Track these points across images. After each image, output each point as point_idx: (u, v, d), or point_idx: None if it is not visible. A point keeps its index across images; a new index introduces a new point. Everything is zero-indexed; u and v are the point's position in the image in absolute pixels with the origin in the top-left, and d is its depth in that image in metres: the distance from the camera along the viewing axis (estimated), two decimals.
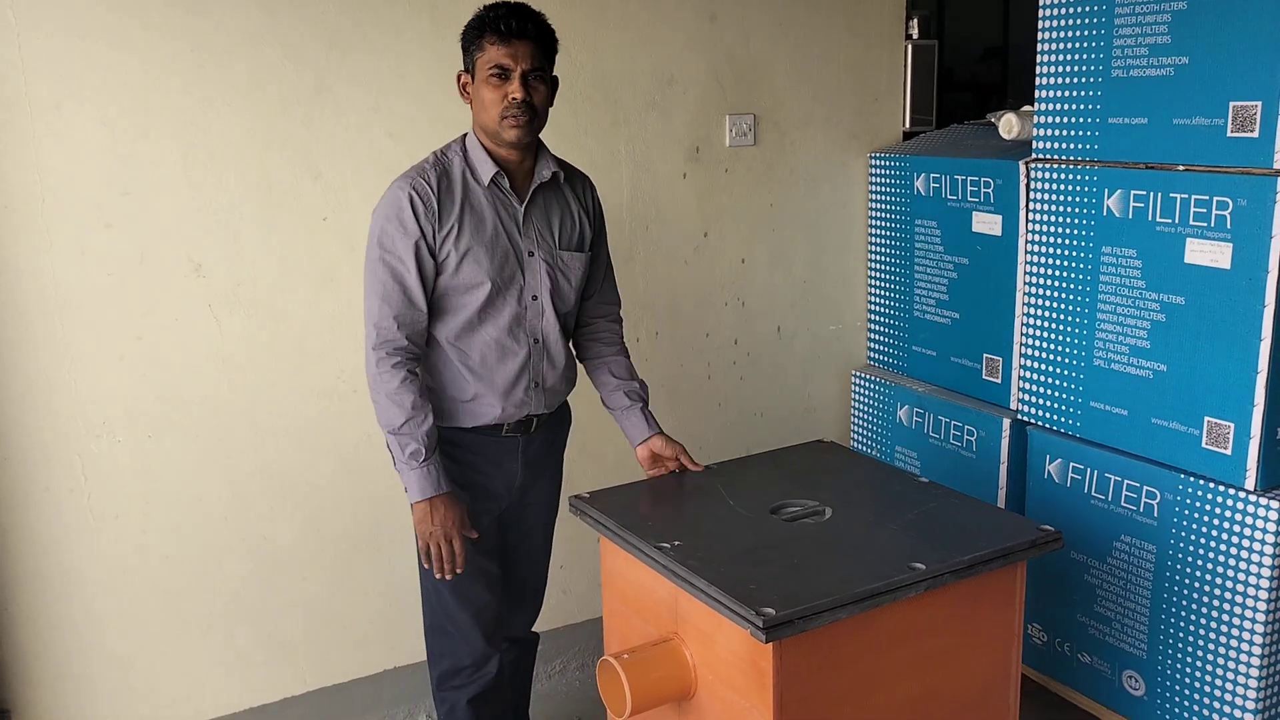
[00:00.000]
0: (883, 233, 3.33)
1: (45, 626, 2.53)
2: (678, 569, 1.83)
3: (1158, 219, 2.42)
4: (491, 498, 2.26)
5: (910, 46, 3.37)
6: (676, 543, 1.91)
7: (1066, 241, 2.65)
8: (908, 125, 3.42)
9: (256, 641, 2.74)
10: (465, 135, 2.19)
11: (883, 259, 3.35)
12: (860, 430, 3.44)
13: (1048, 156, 2.69)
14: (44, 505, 2.48)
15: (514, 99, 2.06)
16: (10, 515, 2.46)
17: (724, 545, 1.94)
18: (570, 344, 2.36)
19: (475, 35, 2.08)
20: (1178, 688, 2.49)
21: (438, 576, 2.13)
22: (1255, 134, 2.20)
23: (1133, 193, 2.47)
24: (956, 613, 1.91)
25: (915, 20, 3.41)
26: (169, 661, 2.65)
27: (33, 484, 2.46)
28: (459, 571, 2.12)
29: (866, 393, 3.40)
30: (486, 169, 2.12)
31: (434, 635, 2.33)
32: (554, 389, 2.28)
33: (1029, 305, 2.78)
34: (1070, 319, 2.67)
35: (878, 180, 3.33)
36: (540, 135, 2.18)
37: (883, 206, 3.32)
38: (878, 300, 3.40)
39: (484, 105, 2.08)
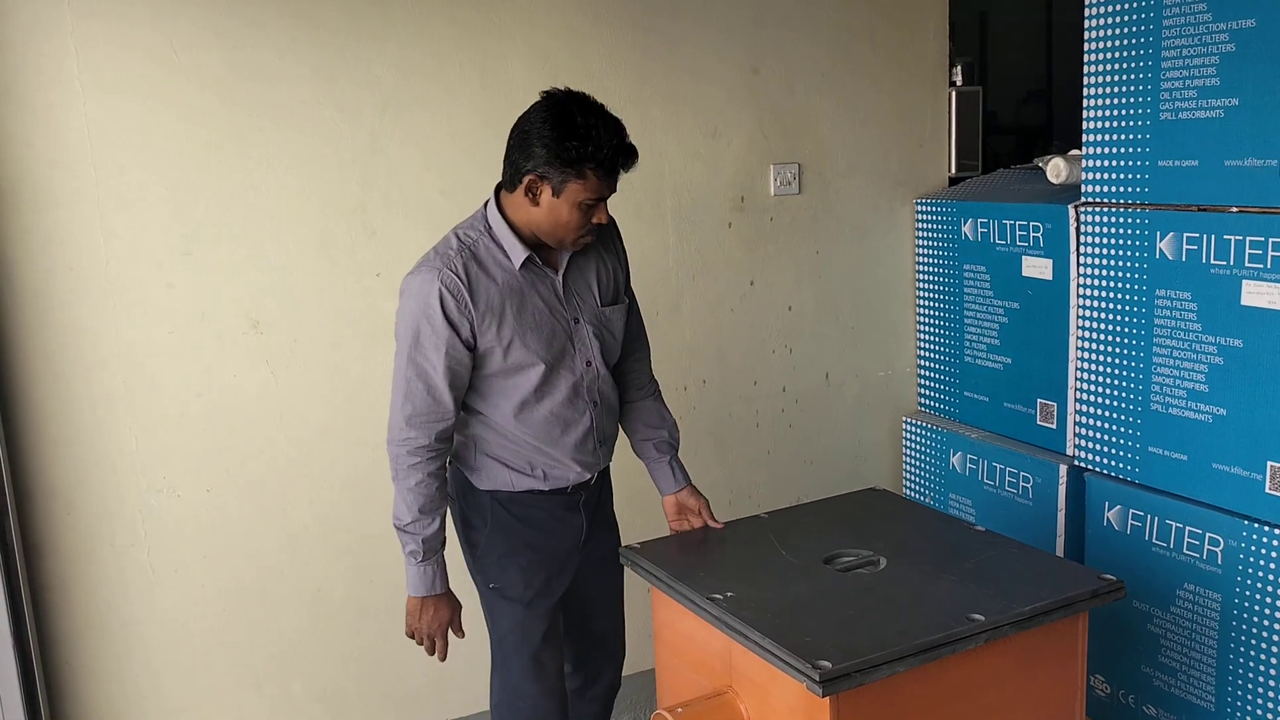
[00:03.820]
0: (931, 278, 3.32)
1: (106, 679, 2.56)
2: (731, 620, 1.82)
3: (1212, 261, 2.39)
4: (563, 556, 2.24)
5: (954, 93, 3.38)
6: (729, 594, 1.90)
7: (1119, 285, 2.63)
8: (953, 171, 3.42)
9: (311, 694, 2.75)
10: (484, 214, 2.09)
11: (932, 304, 3.34)
12: (913, 478, 3.41)
13: (1097, 200, 2.67)
14: (106, 560, 2.52)
15: (598, 224, 2.04)
16: (74, 569, 2.51)
17: (778, 596, 1.92)
18: None
19: (577, 159, 1.94)
20: None
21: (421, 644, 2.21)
22: None
23: (1185, 235, 2.44)
24: (1017, 665, 1.87)
25: (959, 67, 3.42)
26: (225, 713, 2.68)
27: (97, 539, 2.51)
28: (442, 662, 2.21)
29: (918, 439, 3.37)
30: (518, 254, 2.05)
31: (502, 710, 2.31)
32: (612, 437, 2.29)
33: (1083, 349, 2.75)
34: (1126, 363, 2.64)
35: (924, 226, 3.33)
36: None
37: (930, 252, 3.31)
38: (927, 346, 3.39)
39: (561, 223, 2.01)
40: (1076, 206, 2.75)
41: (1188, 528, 2.50)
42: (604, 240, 2.20)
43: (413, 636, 2.20)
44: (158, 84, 2.43)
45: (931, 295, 3.33)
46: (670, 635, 2.11)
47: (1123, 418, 2.66)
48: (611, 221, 2.17)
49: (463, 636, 2.23)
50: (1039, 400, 2.97)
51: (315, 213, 2.61)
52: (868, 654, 1.67)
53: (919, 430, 3.36)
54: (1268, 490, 2.33)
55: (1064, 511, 2.86)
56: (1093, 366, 2.73)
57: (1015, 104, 5.92)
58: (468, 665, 2.91)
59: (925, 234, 3.33)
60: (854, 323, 3.33)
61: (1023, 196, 3.02)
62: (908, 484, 3.43)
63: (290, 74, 2.54)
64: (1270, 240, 2.25)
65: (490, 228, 2.07)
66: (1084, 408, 2.77)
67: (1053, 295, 2.86)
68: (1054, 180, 2.95)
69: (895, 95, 3.29)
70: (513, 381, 2.08)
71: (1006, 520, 2.98)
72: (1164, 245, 2.50)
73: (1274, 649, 2.33)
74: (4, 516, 2.37)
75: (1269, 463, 2.32)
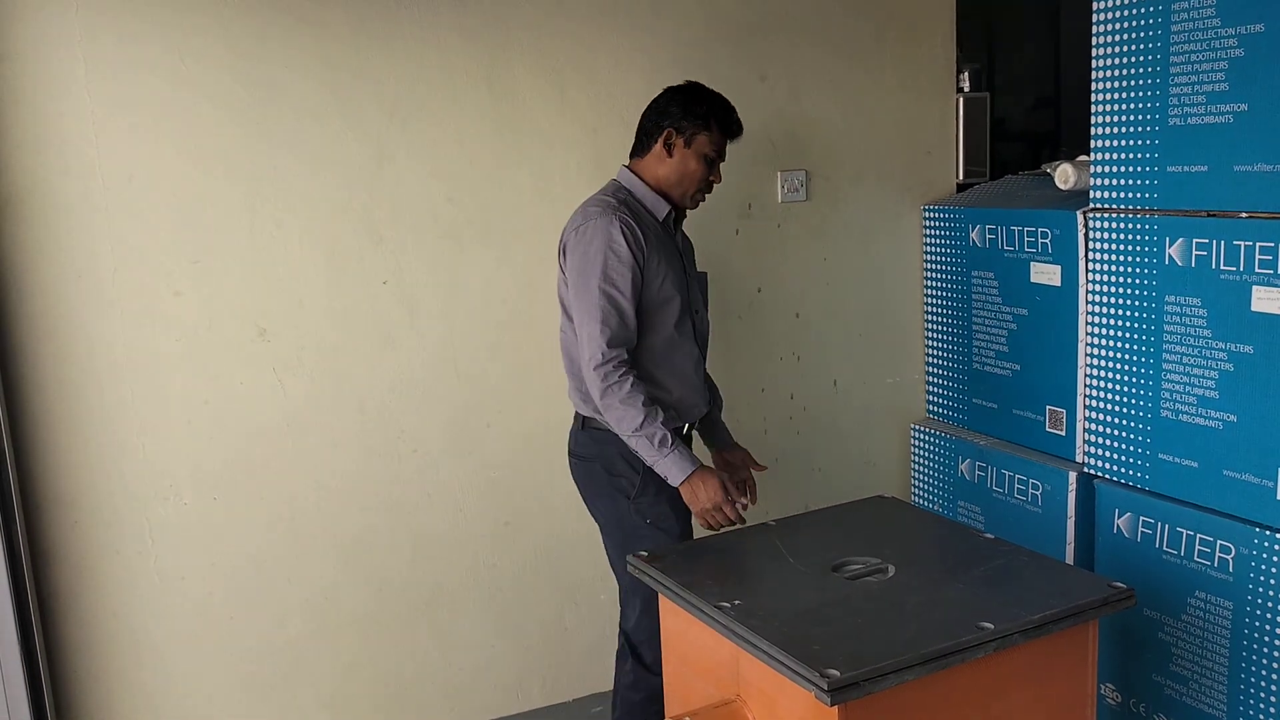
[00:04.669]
0: (938, 285, 3.31)
1: (113, 687, 2.56)
2: (739, 629, 1.81)
3: (1222, 267, 2.38)
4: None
5: (962, 99, 3.38)
6: (737, 602, 1.89)
7: (1128, 291, 2.61)
8: (961, 177, 3.41)
9: (319, 703, 2.75)
10: (617, 184, 2.46)
11: (939, 311, 3.33)
12: (921, 485, 3.39)
13: (1106, 206, 2.66)
14: (114, 568, 2.53)
15: (714, 183, 2.48)
16: (81, 578, 2.51)
17: (785, 604, 1.91)
18: None
19: (707, 116, 2.42)
20: None
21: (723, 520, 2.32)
22: None
23: (1195, 241, 2.43)
24: (1027, 674, 1.86)
25: (966, 73, 3.42)
26: None
27: (104, 547, 2.51)
28: (743, 511, 2.34)
29: (926, 446, 3.35)
30: (662, 209, 2.45)
31: (655, 641, 2.25)
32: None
33: (1092, 356, 2.74)
34: (1135, 369, 2.62)
35: (932, 232, 3.32)
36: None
37: (938, 258, 3.30)
38: (935, 353, 3.37)
39: (688, 173, 2.43)
40: (1085, 212, 2.74)
41: (1198, 535, 2.49)
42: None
43: (709, 525, 2.32)
44: (166, 93, 2.44)
45: (939, 302, 3.32)
46: (678, 643, 2.10)
47: (1132, 424, 2.64)
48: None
49: (745, 497, 2.38)
50: (1048, 407, 2.95)
51: (323, 221, 2.62)
52: (876, 663, 1.66)
53: (927, 437, 3.35)
54: (1279, 497, 2.31)
55: (1073, 519, 2.84)
56: (1102, 373, 2.72)
57: (1024, 110, 5.90)
58: (475, 673, 2.91)
59: (933, 240, 3.32)
60: (862, 329, 3.32)
61: (1031, 202, 3.01)
62: (916, 491, 3.42)
63: (297, 83, 2.55)
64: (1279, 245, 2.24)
65: (632, 192, 2.45)
66: (1093, 414, 2.76)
67: (1061, 301, 2.85)
68: (1062, 186, 2.94)
69: (903, 102, 3.29)
70: (661, 317, 2.39)
71: (1016, 527, 2.96)
72: (1173, 251, 2.49)
73: None
74: (11, 524, 2.38)
75: None
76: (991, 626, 1.76)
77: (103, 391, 2.47)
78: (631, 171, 2.48)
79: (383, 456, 2.75)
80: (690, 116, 2.42)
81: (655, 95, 2.48)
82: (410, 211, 2.70)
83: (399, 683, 2.83)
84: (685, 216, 2.56)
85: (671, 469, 2.28)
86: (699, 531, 2.43)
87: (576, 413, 2.51)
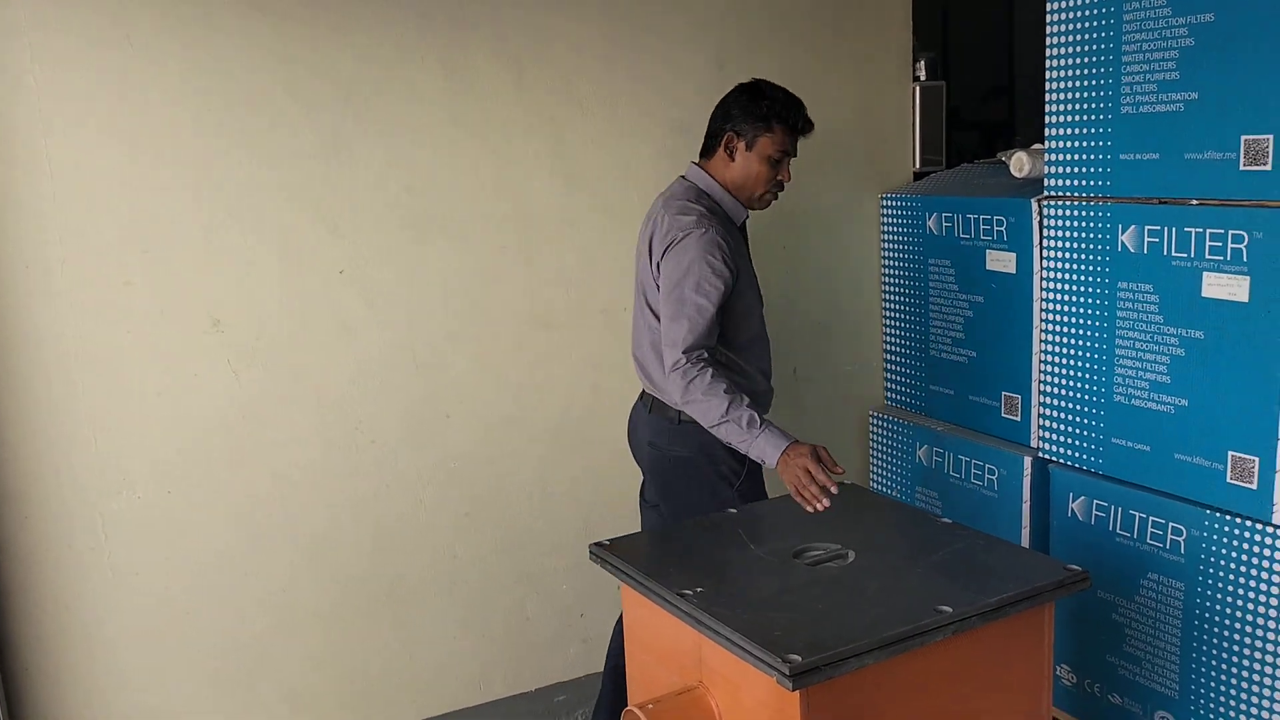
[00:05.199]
0: (896, 273, 3.34)
1: (68, 683, 2.52)
2: (701, 616, 1.81)
3: (1173, 253, 2.42)
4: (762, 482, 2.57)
5: (918, 88, 3.40)
6: (699, 589, 1.89)
7: (1082, 278, 2.65)
8: (918, 166, 3.44)
9: (279, 695, 2.72)
10: (691, 186, 2.48)
11: (897, 299, 3.35)
12: (879, 471, 3.42)
13: (1060, 194, 2.69)
14: (65, 562, 2.48)
15: (782, 182, 2.49)
16: (32, 573, 2.46)
17: (747, 591, 1.92)
18: None
19: (768, 116, 2.41)
20: None
21: (817, 507, 2.21)
22: (1268, 167, 2.20)
23: (1147, 228, 2.47)
24: (985, 656, 1.88)
25: (923, 62, 3.44)
26: (191, 716, 2.63)
27: (54, 542, 2.46)
28: (833, 491, 2.21)
29: (885, 433, 3.38)
30: (739, 214, 2.51)
31: None
32: None
33: (1046, 342, 2.77)
34: (1089, 355, 2.66)
35: (889, 221, 3.34)
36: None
37: (895, 247, 3.33)
38: (893, 340, 3.40)
39: (751, 175, 2.46)
40: (1039, 200, 2.77)
41: (1151, 518, 2.53)
42: None
43: (805, 498, 2.23)
44: (114, 77, 2.39)
45: (897, 290, 3.35)
46: (640, 631, 2.10)
47: (1086, 409, 2.68)
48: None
49: (841, 470, 2.26)
50: (1003, 393, 2.99)
51: (277, 209, 2.58)
52: (837, 647, 1.67)
53: (885, 424, 3.38)
54: (1229, 480, 2.36)
55: (1028, 503, 2.88)
56: (1056, 359, 2.75)
57: (977, 99, 5.96)
58: (436, 666, 2.90)
59: (890, 229, 3.34)
60: (821, 317, 3.33)
61: (986, 191, 3.04)
62: (875, 477, 3.45)
63: (250, 70, 2.51)
64: (1230, 232, 2.28)
65: (710, 196, 2.48)
66: (1048, 400, 2.79)
67: (1016, 289, 2.89)
68: (1017, 174, 2.97)
69: (860, 90, 3.30)
70: (747, 320, 2.47)
71: (972, 512, 3.00)
72: (1125, 238, 2.52)
73: (1236, 636, 2.36)
74: None
75: (1230, 452, 2.35)
76: (950, 610, 1.78)
77: (51, 384, 2.42)
78: (705, 172, 2.50)
79: (341, 448, 2.72)
80: (751, 118, 2.42)
81: (612, 78, 2.45)
82: (367, 200, 2.67)
83: (362, 676, 2.81)
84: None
85: (766, 448, 2.27)
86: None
87: (652, 405, 2.53)
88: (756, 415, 2.27)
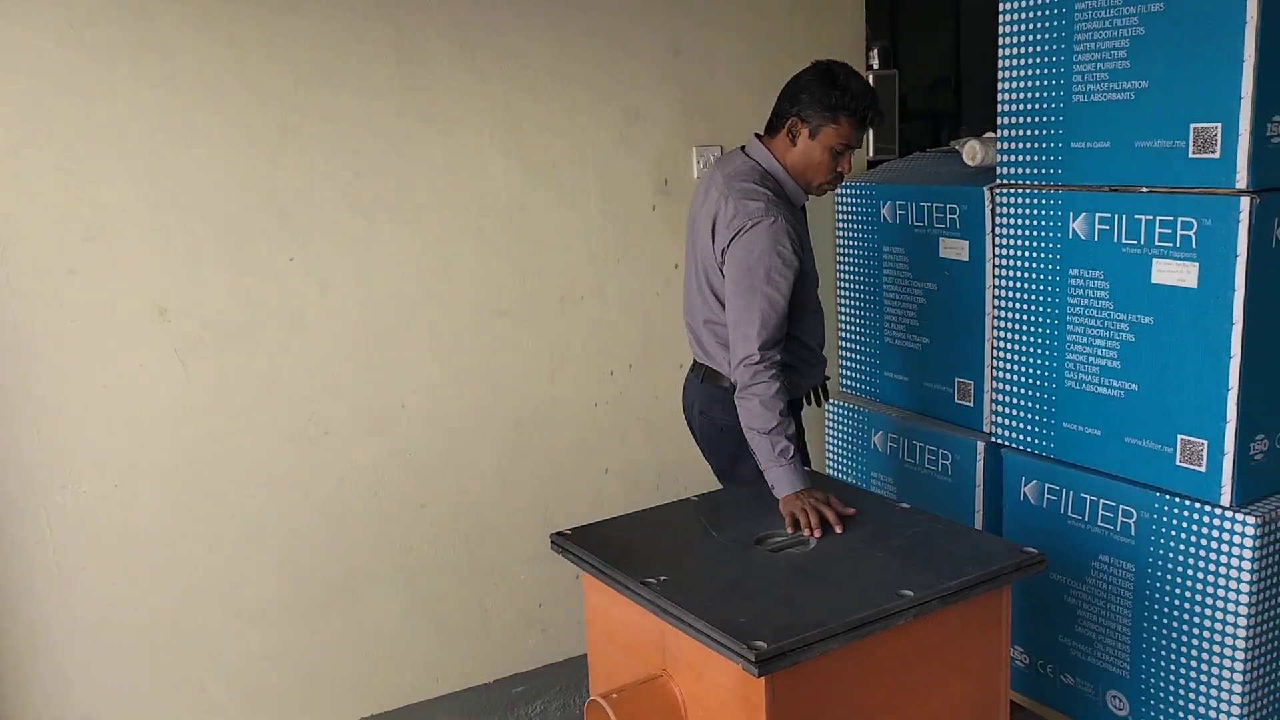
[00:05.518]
0: (851, 260, 3.36)
1: (10, 684, 2.45)
2: (665, 604, 1.81)
3: (1123, 240, 2.45)
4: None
5: (871, 77, 3.41)
6: (662, 577, 1.89)
7: (1034, 265, 2.68)
8: (871, 154, 3.46)
9: (231, 694, 2.67)
10: (755, 165, 2.41)
11: (852, 286, 3.37)
12: (835, 457, 3.44)
13: (1012, 182, 2.72)
14: (9, 559, 2.41)
15: (843, 174, 2.41)
16: None
17: (711, 578, 1.92)
18: None
19: (836, 107, 2.31)
20: (1161, 705, 2.49)
21: (812, 535, 2.13)
22: (1216, 155, 2.24)
23: (1098, 215, 2.50)
24: (945, 639, 1.90)
25: (875, 51, 3.45)
26: (141, 716, 2.58)
27: None
28: (836, 530, 2.13)
29: (840, 420, 3.40)
30: (800, 197, 2.46)
31: None
32: None
33: (999, 329, 2.81)
34: (1040, 341, 2.69)
35: (844, 209, 3.35)
36: None
37: (850, 234, 3.34)
38: (848, 327, 3.42)
39: (812, 164, 2.37)
40: (991, 188, 2.79)
41: (1101, 500, 2.57)
42: None
43: (796, 520, 2.16)
44: (54, 59, 2.31)
45: (851, 277, 3.36)
46: (602, 621, 2.10)
47: (1038, 394, 2.72)
48: None
49: (853, 512, 2.20)
50: (957, 379, 3.02)
51: (224, 194, 2.52)
52: (802, 633, 1.68)
53: (841, 411, 3.39)
54: (1178, 462, 2.41)
55: (982, 487, 2.92)
56: (1008, 345, 2.78)
57: (925, 89, 6.00)
58: (392, 662, 2.86)
59: (845, 217, 3.35)
60: None
61: (939, 179, 3.07)
62: (830, 464, 3.47)
63: (197, 49, 2.44)
64: (1179, 219, 2.32)
65: (771, 175, 2.41)
66: (1000, 385, 2.83)
67: (969, 276, 2.91)
68: (970, 163, 3.00)
69: None
70: (808, 294, 2.44)
71: (926, 497, 3.03)
72: (1077, 225, 2.56)
73: (1185, 615, 2.41)
74: None
75: (1179, 436, 2.40)
76: (911, 594, 1.80)
77: None
78: (769, 151, 2.41)
79: (293, 440, 2.67)
80: (819, 107, 2.32)
81: (565, 63, 2.37)
82: (317, 185, 2.62)
83: (315, 671, 2.77)
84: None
85: (782, 479, 2.22)
86: None
87: (704, 375, 2.52)
88: (791, 447, 2.24)
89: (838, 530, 2.11)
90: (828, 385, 2.71)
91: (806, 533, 2.10)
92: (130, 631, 2.54)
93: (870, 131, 3.42)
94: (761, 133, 2.46)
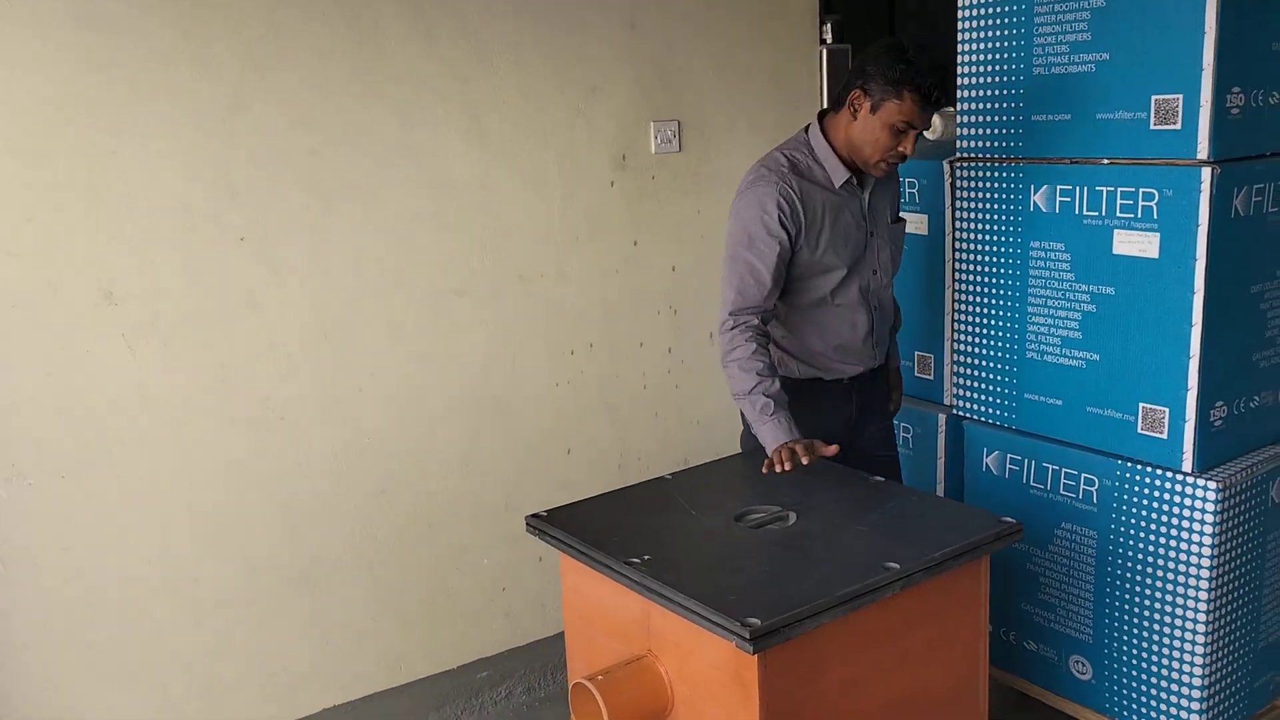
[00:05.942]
0: None
1: None
2: (652, 584, 1.78)
3: (1085, 212, 2.48)
4: (834, 434, 2.38)
5: (825, 50, 3.40)
6: (646, 557, 1.87)
7: (994, 238, 2.70)
8: None
9: (190, 689, 2.58)
10: (806, 137, 2.37)
11: None
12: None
13: (972, 155, 2.73)
14: None
15: (902, 154, 2.28)
16: None
17: (695, 556, 1.90)
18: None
19: (897, 81, 2.19)
20: (1125, 669, 2.54)
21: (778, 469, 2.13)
22: (1178, 126, 2.27)
23: (1059, 188, 2.52)
24: (928, 610, 1.91)
25: (829, 25, 3.44)
26: (94, 717, 2.48)
27: None
28: (804, 461, 2.12)
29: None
30: (840, 175, 2.34)
31: None
32: (885, 340, 2.57)
33: (959, 302, 2.82)
34: (1001, 313, 2.72)
35: None
36: None
37: None
38: None
39: (870, 140, 2.26)
40: (951, 162, 2.80)
41: (1064, 470, 2.61)
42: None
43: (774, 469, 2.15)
44: None
45: None
46: (580, 603, 2.06)
47: (999, 366, 2.74)
48: None
49: (835, 450, 2.18)
50: (916, 353, 3.03)
51: (173, 173, 2.42)
52: (793, 608, 1.66)
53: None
54: (1140, 430, 2.45)
55: (943, 459, 2.94)
56: (968, 318, 2.80)
57: None
58: (353, 652, 2.80)
59: None
60: None
61: None
62: None
63: (143, 21, 2.33)
64: (1140, 190, 2.35)
65: (814, 150, 2.35)
66: (961, 358, 2.85)
67: (929, 250, 2.92)
68: (929, 136, 3.00)
69: (770, 51, 3.29)
70: (815, 282, 2.36)
71: None
72: (1038, 198, 2.58)
73: (1148, 579, 2.46)
74: None
75: (1140, 404, 2.44)
76: (898, 566, 1.80)
77: None
78: (821, 127, 2.36)
79: (248, 426, 2.58)
80: (882, 80, 2.20)
81: (521, 38, 2.32)
82: (269, 164, 2.53)
83: (274, 663, 2.69)
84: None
85: (767, 436, 2.19)
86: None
87: None
88: (773, 403, 2.20)
89: (804, 461, 2.12)
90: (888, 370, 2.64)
91: (775, 468, 2.12)
92: (79, 629, 2.44)
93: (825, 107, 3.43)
94: (829, 108, 2.41)
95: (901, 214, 2.60)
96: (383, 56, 2.63)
